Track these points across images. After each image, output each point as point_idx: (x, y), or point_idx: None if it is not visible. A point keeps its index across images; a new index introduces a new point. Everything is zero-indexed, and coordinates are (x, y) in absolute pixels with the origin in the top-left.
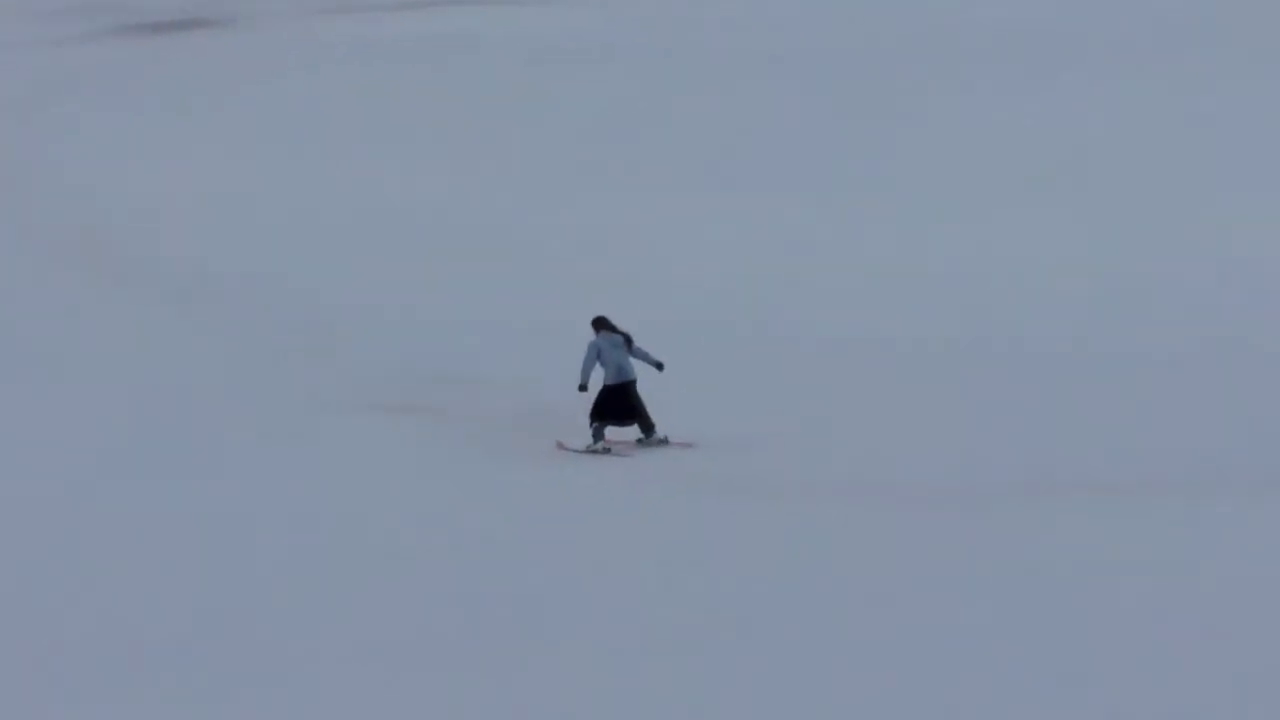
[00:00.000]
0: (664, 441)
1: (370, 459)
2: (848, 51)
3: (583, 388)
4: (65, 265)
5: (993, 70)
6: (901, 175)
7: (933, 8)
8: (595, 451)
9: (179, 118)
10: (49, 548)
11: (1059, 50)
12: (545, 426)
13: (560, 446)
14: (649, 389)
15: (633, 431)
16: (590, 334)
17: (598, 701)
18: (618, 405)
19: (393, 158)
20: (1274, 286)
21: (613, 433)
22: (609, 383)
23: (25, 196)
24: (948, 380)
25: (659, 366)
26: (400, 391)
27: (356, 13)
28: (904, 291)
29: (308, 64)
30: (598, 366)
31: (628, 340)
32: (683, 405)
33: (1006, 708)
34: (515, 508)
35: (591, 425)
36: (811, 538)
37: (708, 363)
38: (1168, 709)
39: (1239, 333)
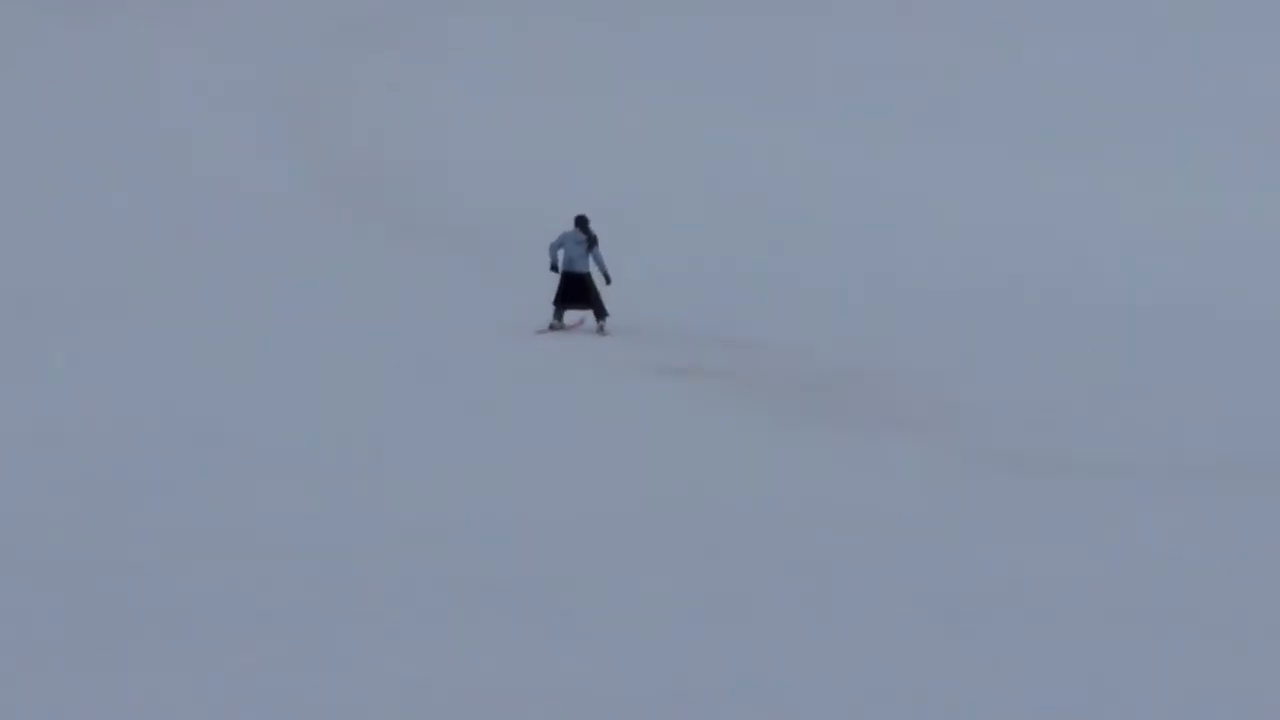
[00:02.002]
0: (601, 331)
1: (663, 423)
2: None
3: (553, 268)
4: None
5: None
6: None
7: None
8: (553, 327)
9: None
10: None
11: None
12: (832, 394)
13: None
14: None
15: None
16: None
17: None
18: (570, 291)
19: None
20: None
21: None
22: (562, 270)
23: (326, 145)
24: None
25: (606, 277)
26: (689, 354)
27: None
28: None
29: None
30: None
31: (591, 241)
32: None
33: None
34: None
35: (553, 307)
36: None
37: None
38: None
39: None
